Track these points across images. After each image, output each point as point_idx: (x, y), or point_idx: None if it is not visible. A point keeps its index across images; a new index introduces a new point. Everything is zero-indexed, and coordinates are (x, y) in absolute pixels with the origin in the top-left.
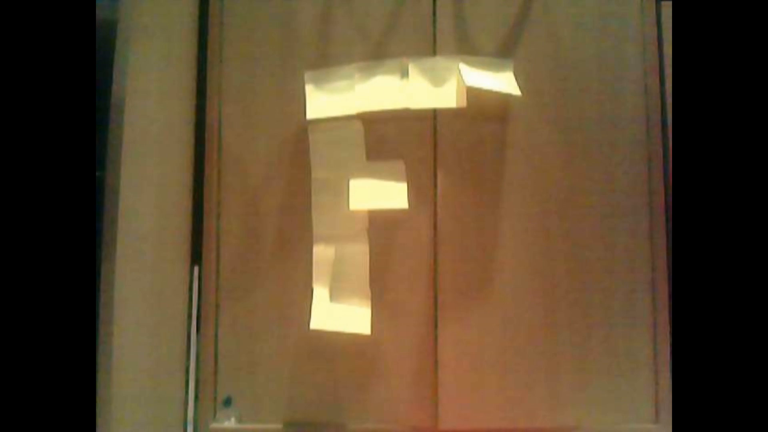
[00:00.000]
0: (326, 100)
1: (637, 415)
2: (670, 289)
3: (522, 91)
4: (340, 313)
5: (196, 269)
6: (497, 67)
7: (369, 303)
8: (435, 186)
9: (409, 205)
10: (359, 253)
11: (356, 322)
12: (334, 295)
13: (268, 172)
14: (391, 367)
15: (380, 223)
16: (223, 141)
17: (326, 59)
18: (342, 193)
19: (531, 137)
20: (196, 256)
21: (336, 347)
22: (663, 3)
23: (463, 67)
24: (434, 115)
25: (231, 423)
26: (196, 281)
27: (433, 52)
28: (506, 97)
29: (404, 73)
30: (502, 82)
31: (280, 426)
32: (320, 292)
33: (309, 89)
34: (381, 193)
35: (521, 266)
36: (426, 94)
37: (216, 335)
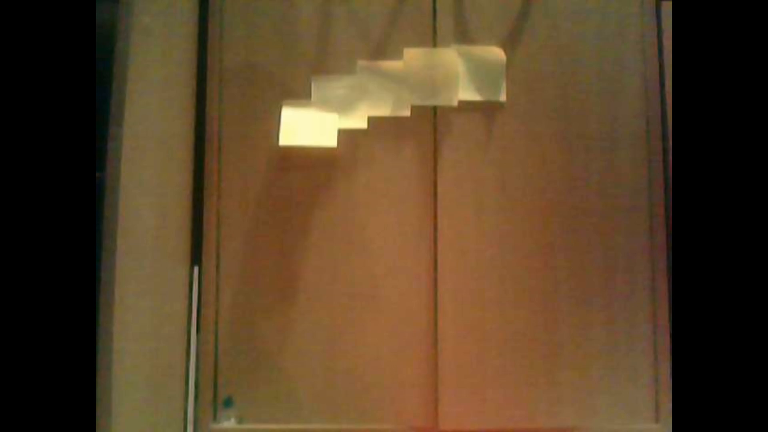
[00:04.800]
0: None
1: (637, 415)
2: (670, 289)
3: (522, 90)
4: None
5: (196, 269)
6: (488, 63)
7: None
8: (435, 185)
9: (409, 204)
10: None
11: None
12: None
13: (268, 172)
14: (392, 367)
15: (380, 224)
16: (223, 141)
17: (326, 59)
18: None
19: (531, 136)
20: (196, 256)
21: (336, 347)
22: (663, 3)
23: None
24: (434, 114)
25: (231, 423)
26: (196, 281)
27: None
28: (507, 94)
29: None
30: (492, 84)
31: (280, 426)
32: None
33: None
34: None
35: (521, 266)
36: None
37: (216, 335)
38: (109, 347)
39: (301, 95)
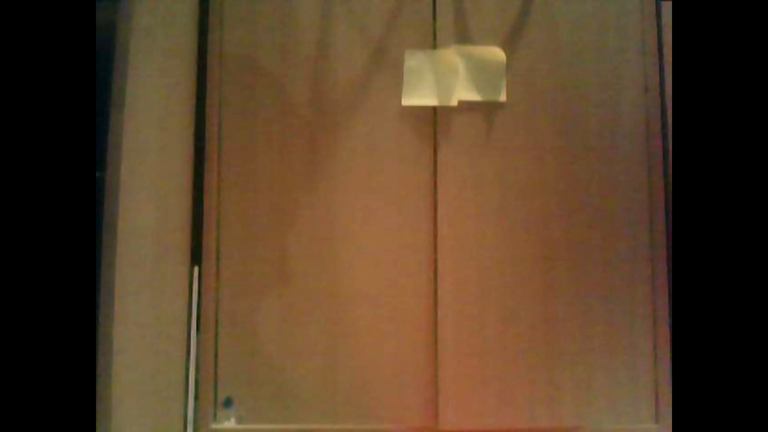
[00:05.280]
0: (424, 87)
1: (637, 415)
2: (670, 289)
3: (522, 90)
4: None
5: (196, 269)
6: (488, 63)
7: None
8: (435, 185)
9: (409, 204)
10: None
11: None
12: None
13: (269, 172)
14: (392, 367)
15: (380, 224)
16: (223, 141)
17: (326, 59)
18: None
19: (531, 136)
20: (196, 256)
21: (336, 347)
22: (663, 3)
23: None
24: (435, 114)
25: (231, 424)
26: (196, 281)
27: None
28: (507, 94)
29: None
30: (491, 85)
31: (280, 426)
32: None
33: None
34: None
35: (521, 266)
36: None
37: (216, 335)
38: (109, 347)
39: (301, 95)
